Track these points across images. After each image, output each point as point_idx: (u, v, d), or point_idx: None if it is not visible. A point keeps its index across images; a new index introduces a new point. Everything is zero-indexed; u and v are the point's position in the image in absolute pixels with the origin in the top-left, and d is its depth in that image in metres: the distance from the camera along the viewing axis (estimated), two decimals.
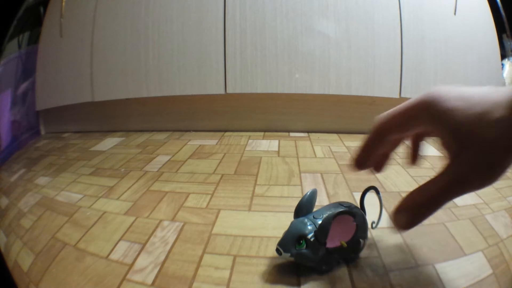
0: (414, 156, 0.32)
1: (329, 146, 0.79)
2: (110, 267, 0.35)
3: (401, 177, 0.58)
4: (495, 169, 0.22)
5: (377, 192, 0.37)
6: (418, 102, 0.25)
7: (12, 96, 1.04)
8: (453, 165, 0.24)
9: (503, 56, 0.93)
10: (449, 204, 0.48)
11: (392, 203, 0.47)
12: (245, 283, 0.32)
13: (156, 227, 0.43)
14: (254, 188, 0.54)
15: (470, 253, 0.36)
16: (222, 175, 0.60)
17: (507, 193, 0.52)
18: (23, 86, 1.06)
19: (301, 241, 0.31)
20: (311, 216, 0.33)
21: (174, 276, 0.33)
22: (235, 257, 0.36)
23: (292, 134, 0.92)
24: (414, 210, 0.26)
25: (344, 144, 0.80)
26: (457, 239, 0.38)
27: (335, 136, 0.89)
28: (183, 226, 0.42)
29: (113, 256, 0.37)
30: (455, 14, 0.88)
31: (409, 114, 0.25)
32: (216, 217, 0.44)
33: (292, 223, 0.33)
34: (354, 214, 0.33)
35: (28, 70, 1.06)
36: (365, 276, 0.32)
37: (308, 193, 0.34)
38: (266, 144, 0.81)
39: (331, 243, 0.31)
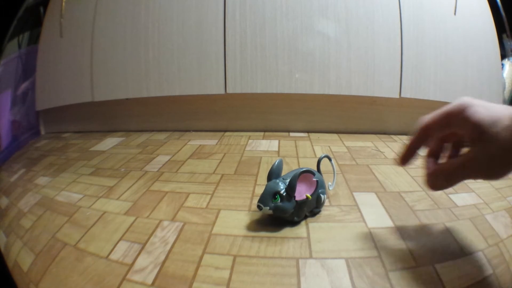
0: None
1: (329, 146, 0.79)
2: (110, 267, 0.35)
3: (401, 177, 0.58)
4: (496, 164, 0.29)
5: (330, 160, 0.46)
6: (456, 106, 0.31)
7: (12, 96, 1.04)
8: (469, 152, 0.31)
9: (503, 56, 0.93)
10: (449, 204, 0.48)
11: (392, 203, 0.47)
12: (245, 283, 0.32)
13: (156, 227, 0.43)
14: (254, 188, 0.54)
15: (470, 253, 0.36)
16: (222, 175, 0.60)
17: (507, 193, 0.52)
18: (23, 86, 1.06)
19: (276, 196, 0.39)
20: (280, 178, 0.41)
21: (174, 276, 0.33)
22: (235, 257, 0.36)
23: (292, 134, 0.92)
24: (445, 176, 0.33)
25: (344, 144, 0.80)
26: (457, 239, 0.39)
27: (335, 136, 0.89)
28: (183, 226, 0.42)
29: (113, 256, 0.37)
30: (455, 14, 0.88)
31: (450, 115, 0.32)
32: (216, 217, 0.44)
33: (267, 185, 0.40)
34: (314, 173, 0.41)
35: (28, 70, 1.06)
36: (365, 276, 0.32)
37: (277, 162, 0.43)
38: (266, 144, 0.81)
39: (299, 197, 0.40)
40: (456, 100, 0.32)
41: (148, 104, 0.99)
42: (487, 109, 0.29)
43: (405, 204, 0.47)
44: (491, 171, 0.30)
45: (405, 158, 0.37)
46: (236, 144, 0.82)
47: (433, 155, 0.37)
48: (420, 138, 0.35)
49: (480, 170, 0.30)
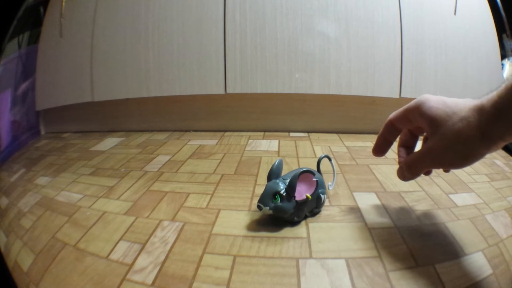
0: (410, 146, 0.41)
1: (329, 146, 0.79)
2: (110, 267, 0.35)
3: None
4: (452, 154, 0.31)
5: (329, 160, 0.46)
6: (413, 103, 0.35)
7: (12, 96, 1.04)
8: (426, 145, 0.34)
9: (503, 56, 0.93)
10: (449, 204, 0.48)
11: (392, 203, 0.47)
12: (245, 283, 0.32)
13: (156, 227, 0.43)
14: (254, 188, 0.54)
15: (470, 253, 0.36)
16: (222, 175, 0.60)
17: (507, 193, 0.53)
18: (23, 86, 1.06)
19: (276, 196, 0.39)
20: (280, 179, 0.41)
21: (174, 276, 0.33)
22: (235, 257, 0.36)
23: (292, 134, 0.92)
24: (407, 168, 0.37)
25: (344, 144, 0.80)
26: (457, 239, 0.39)
27: (335, 136, 0.89)
28: (183, 226, 0.42)
29: (113, 256, 0.37)
30: (455, 14, 0.88)
31: (408, 111, 0.36)
32: (216, 217, 0.44)
33: (267, 185, 0.40)
34: (314, 173, 0.42)
35: (28, 70, 1.06)
36: (365, 276, 0.32)
37: (277, 162, 0.43)
38: (266, 144, 0.81)
39: (299, 197, 0.40)
40: (418, 97, 0.35)
41: (148, 104, 0.99)
42: (444, 103, 0.32)
43: (405, 204, 0.47)
44: (449, 161, 0.32)
45: (377, 149, 0.41)
46: (236, 144, 0.82)
47: (406, 146, 0.41)
48: (387, 131, 0.40)
49: (438, 160, 0.33)
